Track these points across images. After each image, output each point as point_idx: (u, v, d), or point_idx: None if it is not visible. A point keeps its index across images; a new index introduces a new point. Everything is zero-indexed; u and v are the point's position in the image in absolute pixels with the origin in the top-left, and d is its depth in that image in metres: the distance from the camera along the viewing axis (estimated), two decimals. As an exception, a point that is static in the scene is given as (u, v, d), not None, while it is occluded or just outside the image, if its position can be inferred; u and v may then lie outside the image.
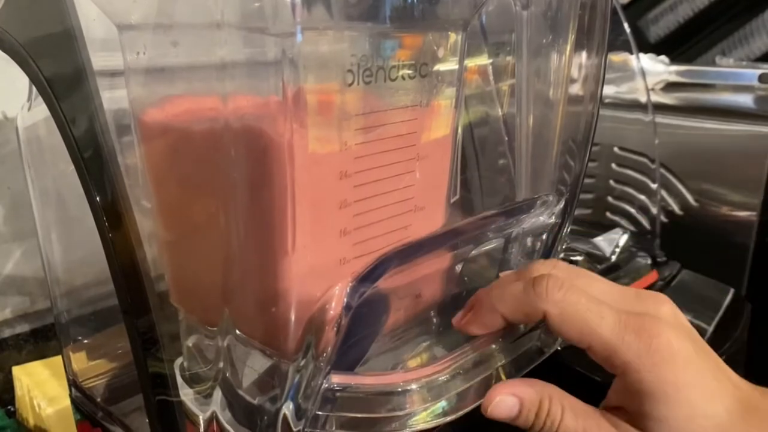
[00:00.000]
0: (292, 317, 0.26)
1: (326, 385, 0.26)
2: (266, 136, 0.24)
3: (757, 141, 0.60)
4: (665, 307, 0.27)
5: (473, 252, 0.33)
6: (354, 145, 0.26)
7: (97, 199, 0.27)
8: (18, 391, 0.48)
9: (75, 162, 0.28)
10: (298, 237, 0.25)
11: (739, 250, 0.62)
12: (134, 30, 0.27)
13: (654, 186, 0.65)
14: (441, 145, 0.32)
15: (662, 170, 0.66)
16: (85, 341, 0.38)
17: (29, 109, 0.32)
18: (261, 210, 0.25)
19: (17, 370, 0.48)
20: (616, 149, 0.69)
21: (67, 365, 0.37)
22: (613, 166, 0.70)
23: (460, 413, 0.28)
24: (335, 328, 0.26)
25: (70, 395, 0.37)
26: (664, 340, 0.25)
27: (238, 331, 0.28)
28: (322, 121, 0.25)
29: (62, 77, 0.28)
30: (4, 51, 0.30)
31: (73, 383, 0.37)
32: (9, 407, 0.49)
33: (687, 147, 0.65)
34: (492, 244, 0.34)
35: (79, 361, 0.37)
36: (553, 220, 0.34)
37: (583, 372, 0.43)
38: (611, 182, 0.71)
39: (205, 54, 0.25)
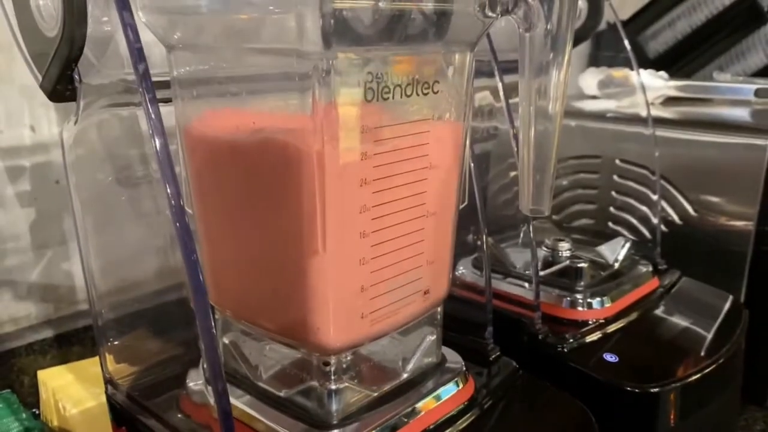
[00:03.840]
0: (322, 311, 0.28)
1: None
2: (299, 147, 0.27)
3: (753, 153, 0.61)
4: None
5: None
6: (373, 155, 0.29)
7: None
8: (43, 395, 0.49)
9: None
10: (327, 239, 0.27)
11: (737, 258, 0.62)
12: (177, 50, 0.29)
13: (654, 197, 0.65)
14: (451, 156, 0.34)
15: (662, 182, 0.67)
16: (121, 341, 0.39)
17: (76, 123, 0.35)
18: (293, 215, 0.28)
19: (42, 374, 0.49)
20: (617, 161, 0.71)
21: (103, 364, 0.39)
22: (615, 177, 0.71)
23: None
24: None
25: (106, 392, 0.39)
26: None
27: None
28: (347, 134, 0.27)
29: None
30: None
31: (109, 381, 0.39)
32: (34, 410, 0.50)
33: (686, 159, 0.66)
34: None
35: (115, 360, 0.39)
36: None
37: (583, 371, 0.44)
38: (613, 193, 0.72)
39: (242, 71, 0.27)
